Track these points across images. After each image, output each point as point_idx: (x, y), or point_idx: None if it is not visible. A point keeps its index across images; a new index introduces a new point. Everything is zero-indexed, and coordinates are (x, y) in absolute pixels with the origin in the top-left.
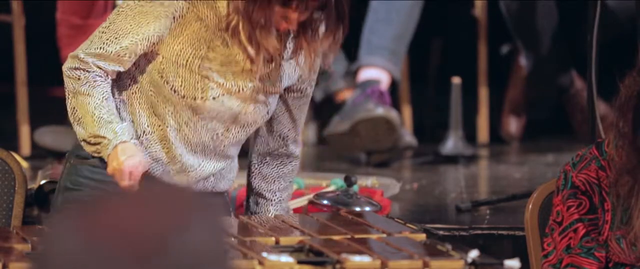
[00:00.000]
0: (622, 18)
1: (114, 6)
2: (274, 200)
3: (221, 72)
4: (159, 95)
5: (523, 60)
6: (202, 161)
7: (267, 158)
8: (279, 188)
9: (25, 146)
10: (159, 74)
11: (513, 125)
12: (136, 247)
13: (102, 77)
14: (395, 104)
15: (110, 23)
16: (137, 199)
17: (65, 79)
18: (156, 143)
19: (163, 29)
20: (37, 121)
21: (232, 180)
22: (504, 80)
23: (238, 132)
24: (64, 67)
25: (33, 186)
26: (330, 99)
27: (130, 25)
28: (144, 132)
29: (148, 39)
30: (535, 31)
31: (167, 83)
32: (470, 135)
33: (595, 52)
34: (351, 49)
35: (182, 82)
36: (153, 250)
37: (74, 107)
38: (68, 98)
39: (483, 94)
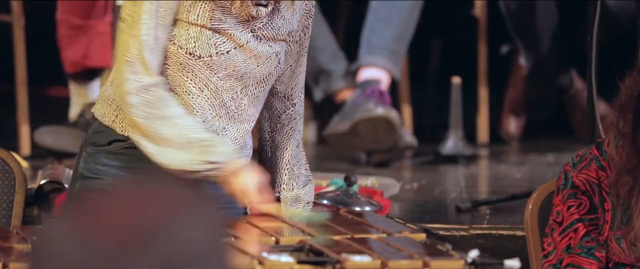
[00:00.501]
0: (622, 18)
1: (114, 7)
2: (288, 170)
3: (227, 22)
4: (175, 65)
5: (523, 60)
6: (227, 125)
7: (277, 125)
8: (290, 157)
9: (25, 146)
10: (170, 42)
11: (512, 125)
12: (130, 242)
13: (165, 84)
14: (395, 104)
15: (131, 15)
16: (132, 195)
17: (131, 108)
18: None
19: None
20: (37, 121)
21: (249, 156)
22: (503, 80)
23: (255, 88)
24: (128, 91)
25: (33, 185)
26: (330, 99)
27: (151, 3)
28: None
29: (169, 4)
30: (535, 31)
31: (181, 48)
32: (470, 135)
33: (595, 52)
34: (351, 49)
35: (195, 42)
36: (148, 245)
37: (161, 137)
38: (140, 127)
39: (483, 94)
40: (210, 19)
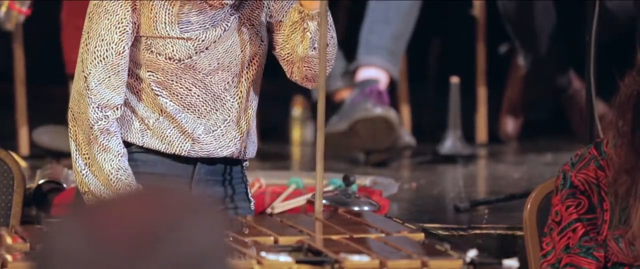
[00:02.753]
0: (621, 18)
1: None
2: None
3: (200, 22)
4: (158, 71)
5: (521, 60)
6: (227, 116)
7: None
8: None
9: (24, 146)
10: (148, 51)
11: (510, 125)
12: (133, 243)
13: (116, 123)
14: (394, 104)
15: (87, 31)
16: (136, 198)
17: (88, 113)
18: (170, 124)
19: (133, 1)
20: (36, 121)
21: (255, 143)
22: (502, 80)
23: (246, 72)
24: (87, 105)
25: (31, 185)
26: (328, 98)
27: (108, 20)
28: (156, 119)
29: (126, 18)
30: (533, 31)
31: (160, 55)
32: (468, 135)
33: (593, 52)
34: (350, 49)
35: (172, 47)
36: (150, 246)
37: (88, 157)
38: (79, 135)
39: (482, 93)
40: (181, 31)
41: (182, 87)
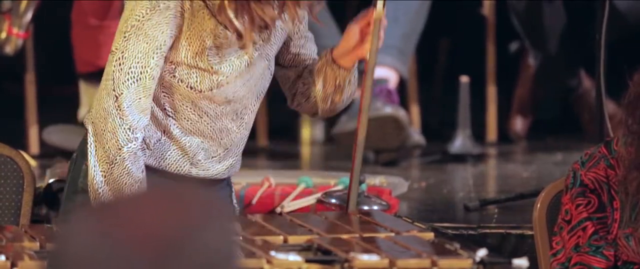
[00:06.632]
0: (631, 17)
1: (121, 7)
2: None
3: (227, 56)
4: (174, 95)
5: (531, 60)
6: (228, 145)
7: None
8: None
9: (34, 145)
10: (170, 74)
11: (519, 124)
12: (152, 247)
13: (142, 148)
14: (404, 103)
15: (122, 51)
16: (153, 200)
17: (118, 135)
18: (171, 145)
19: (175, 29)
20: (46, 120)
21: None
22: (512, 79)
23: (254, 105)
24: (117, 126)
25: (41, 184)
26: None
27: (146, 44)
28: (158, 140)
29: (166, 44)
30: (542, 30)
31: (182, 82)
32: (478, 134)
33: (603, 51)
34: None
35: (196, 78)
36: (169, 250)
37: (106, 174)
38: (101, 160)
39: (491, 92)
40: (209, 62)
41: (194, 114)
